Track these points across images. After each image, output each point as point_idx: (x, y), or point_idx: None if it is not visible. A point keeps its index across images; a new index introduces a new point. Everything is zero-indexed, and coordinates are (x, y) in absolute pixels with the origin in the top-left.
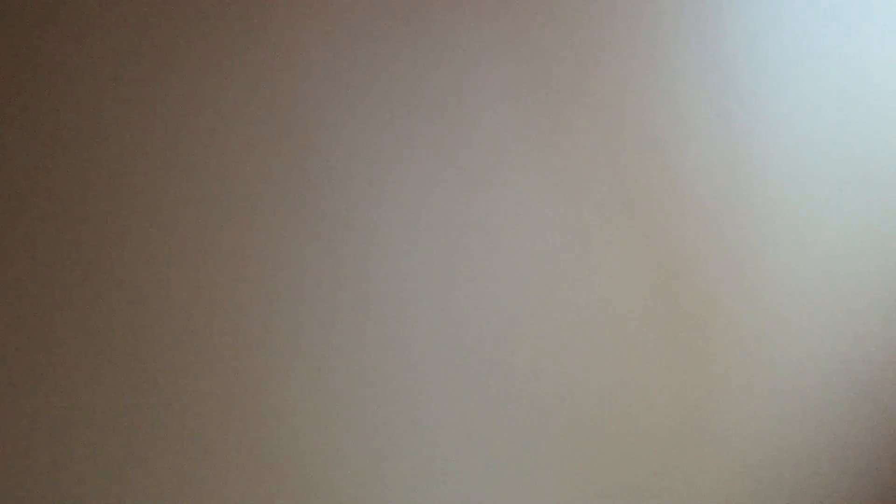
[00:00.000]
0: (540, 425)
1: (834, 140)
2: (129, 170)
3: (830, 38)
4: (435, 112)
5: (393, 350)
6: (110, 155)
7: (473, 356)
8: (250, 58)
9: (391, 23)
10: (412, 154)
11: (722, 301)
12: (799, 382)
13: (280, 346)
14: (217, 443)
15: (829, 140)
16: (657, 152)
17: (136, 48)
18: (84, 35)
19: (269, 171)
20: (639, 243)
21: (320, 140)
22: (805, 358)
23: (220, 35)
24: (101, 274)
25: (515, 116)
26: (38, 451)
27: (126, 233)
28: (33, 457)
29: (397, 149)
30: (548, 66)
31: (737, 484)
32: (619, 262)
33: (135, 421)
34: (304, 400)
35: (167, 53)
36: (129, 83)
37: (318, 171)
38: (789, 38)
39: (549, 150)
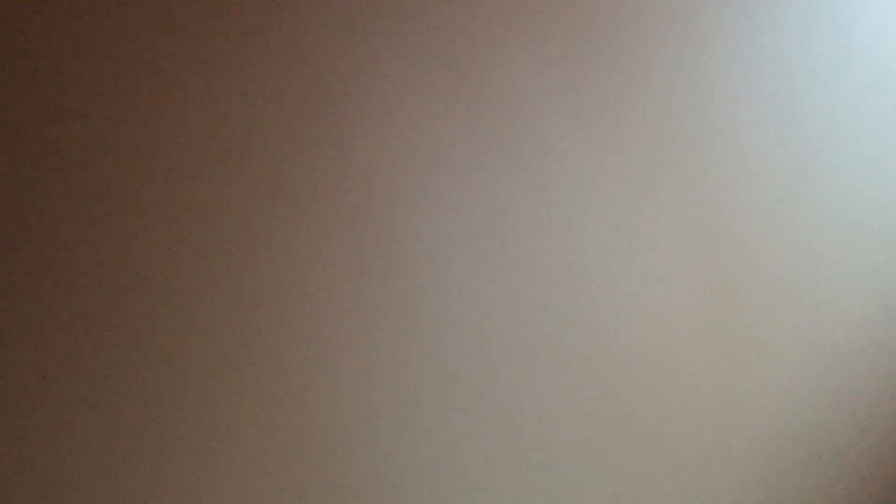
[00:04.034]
0: (583, 392)
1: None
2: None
3: None
4: (482, 85)
5: (445, 332)
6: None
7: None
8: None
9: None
10: (459, 131)
11: (767, 266)
12: (846, 344)
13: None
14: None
15: (886, 99)
16: (706, 114)
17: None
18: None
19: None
20: (685, 210)
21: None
22: (853, 318)
23: (247, 24)
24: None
25: (561, 85)
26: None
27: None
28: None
29: (443, 119)
30: (590, 35)
31: (771, 449)
32: (665, 229)
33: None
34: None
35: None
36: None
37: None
38: None
39: (597, 116)
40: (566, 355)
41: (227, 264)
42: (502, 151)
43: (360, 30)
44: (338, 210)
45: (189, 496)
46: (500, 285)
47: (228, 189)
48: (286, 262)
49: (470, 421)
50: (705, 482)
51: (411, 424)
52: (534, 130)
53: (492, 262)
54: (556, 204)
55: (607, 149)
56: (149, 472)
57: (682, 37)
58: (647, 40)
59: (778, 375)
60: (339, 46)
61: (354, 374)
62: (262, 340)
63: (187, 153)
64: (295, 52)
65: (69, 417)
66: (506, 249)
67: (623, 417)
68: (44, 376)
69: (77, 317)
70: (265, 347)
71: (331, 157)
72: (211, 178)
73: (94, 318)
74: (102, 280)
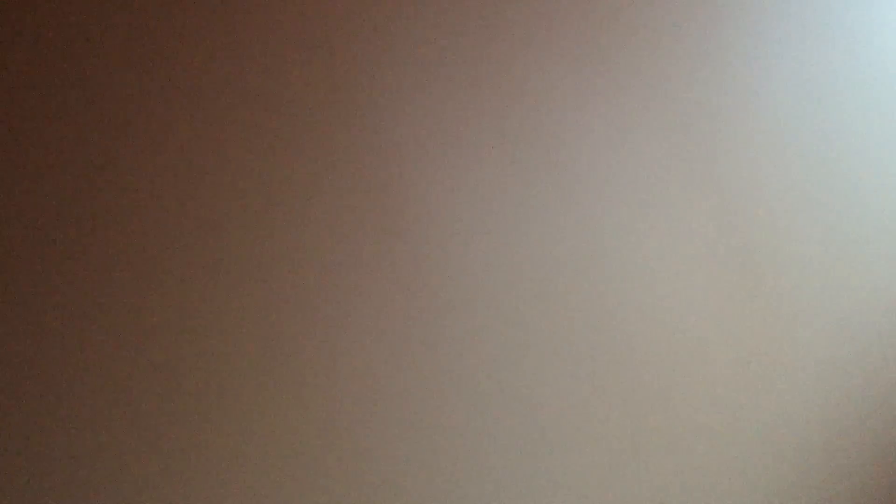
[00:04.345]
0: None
1: None
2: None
3: None
4: (504, 85)
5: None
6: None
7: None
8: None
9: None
10: (482, 128)
11: (792, 247)
12: (876, 327)
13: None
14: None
15: None
16: (731, 95)
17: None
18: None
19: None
20: (707, 193)
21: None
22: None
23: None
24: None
25: (582, 83)
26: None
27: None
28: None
29: (465, 116)
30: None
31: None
32: (687, 214)
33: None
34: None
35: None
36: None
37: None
38: None
39: (618, 110)
40: (588, 349)
41: (250, 261)
42: (525, 151)
43: (381, 27)
44: (362, 205)
45: (189, 496)
46: (525, 281)
47: (258, 186)
48: (307, 260)
49: (487, 417)
50: (730, 470)
51: (426, 423)
52: (557, 127)
53: (517, 258)
54: (577, 191)
55: (630, 134)
56: (159, 471)
57: (703, 34)
58: (667, 36)
59: (805, 360)
60: (363, 43)
61: (380, 372)
62: (282, 341)
63: (211, 145)
64: (318, 48)
65: (76, 417)
66: (530, 245)
67: (645, 407)
68: (44, 376)
69: (80, 316)
70: (285, 348)
71: (358, 153)
72: (242, 171)
73: (97, 316)
74: (108, 277)
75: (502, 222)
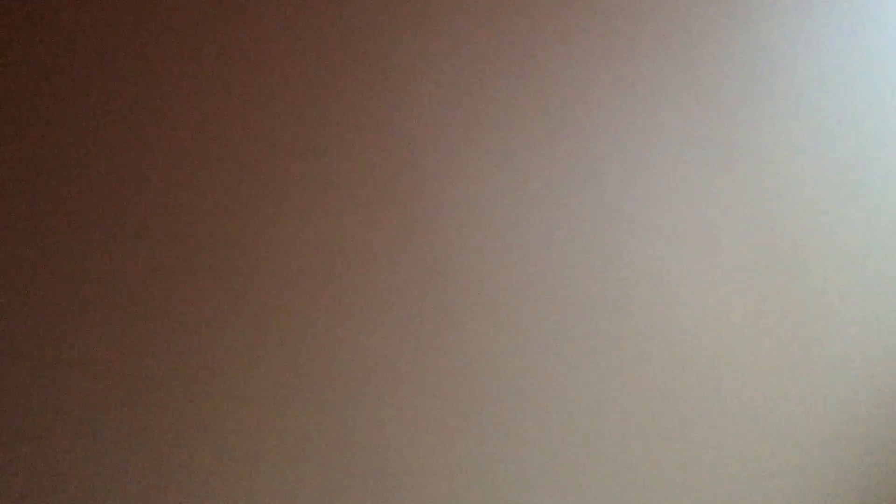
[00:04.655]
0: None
1: None
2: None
3: None
4: (540, 74)
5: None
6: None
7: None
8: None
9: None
10: (522, 121)
11: (832, 238)
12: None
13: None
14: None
15: None
16: (762, 83)
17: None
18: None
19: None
20: (742, 183)
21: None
22: None
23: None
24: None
25: (614, 74)
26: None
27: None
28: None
29: (508, 109)
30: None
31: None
32: (721, 205)
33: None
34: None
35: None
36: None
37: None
38: None
39: (655, 102)
40: (605, 346)
41: (266, 253)
42: (542, 144)
43: (397, 22)
44: (375, 202)
45: (189, 497)
46: (541, 276)
47: (268, 182)
48: (318, 257)
49: (500, 414)
50: (761, 473)
51: (437, 421)
52: (576, 119)
53: (533, 254)
54: (596, 185)
55: (664, 132)
56: (162, 470)
57: (729, 17)
58: (694, 20)
59: (838, 361)
60: (377, 37)
61: (391, 369)
62: (290, 337)
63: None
64: (333, 41)
65: (77, 417)
66: (547, 239)
67: (662, 407)
68: (47, 376)
69: (85, 314)
70: (293, 345)
71: (371, 149)
72: (252, 166)
73: (97, 316)
74: (117, 276)
75: (520, 219)
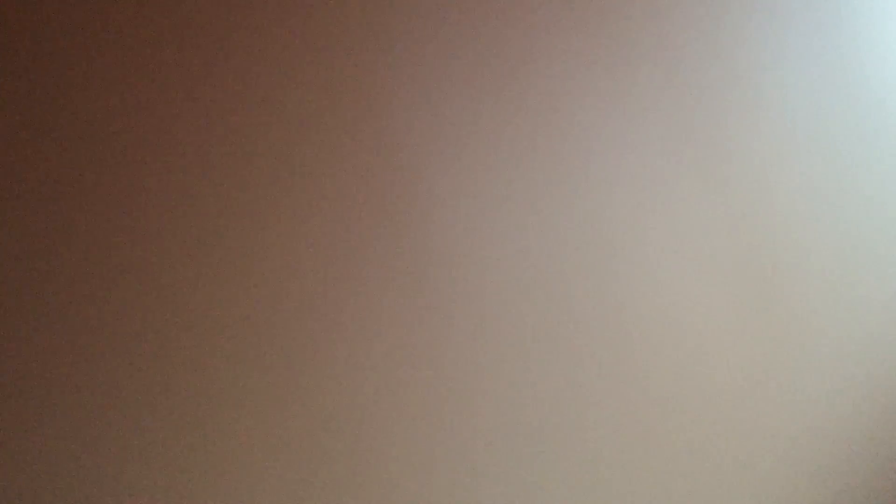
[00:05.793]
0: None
1: None
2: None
3: None
4: (517, 75)
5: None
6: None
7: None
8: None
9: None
10: (488, 110)
11: (807, 250)
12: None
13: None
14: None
15: None
16: (739, 85)
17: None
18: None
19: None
20: (719, 191)
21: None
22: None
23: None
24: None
25: (594, 73)
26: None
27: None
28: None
29: (468, 90)
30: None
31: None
32: (699, 212)
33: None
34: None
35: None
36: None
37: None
38: None
39: (630, 99)
40: (593, 350)
41: (257, 257)
42: (532, 148)
43: (390, 25)
44: (367, 203)
45: (189, 496)
46: (530, 280)
47: (262, 184)
48: (312, 258)
49: (491, 416)
50: (743, 475)
51: (430, 422)
52: (564, 124)
53: (521, 257)
54: (583, 190)
55: (638, 133)
56: (155, 471)
57: (712, 30)
58: (674, 34)
59: (818, 364)
60: (371, 39)
61: (383, 370)
62: (284, 338)
63: (216, 135)
64: (326, 44)
65: (77, 416)
66: (535, 244)
67: (650, 411)
68: (44, 375)
69: (82, 313)
70: (287, 346)
71: (363, 150)
72: (246, 168)
73: (97, 315)
74: (110, 275)
75: (507, 221)
